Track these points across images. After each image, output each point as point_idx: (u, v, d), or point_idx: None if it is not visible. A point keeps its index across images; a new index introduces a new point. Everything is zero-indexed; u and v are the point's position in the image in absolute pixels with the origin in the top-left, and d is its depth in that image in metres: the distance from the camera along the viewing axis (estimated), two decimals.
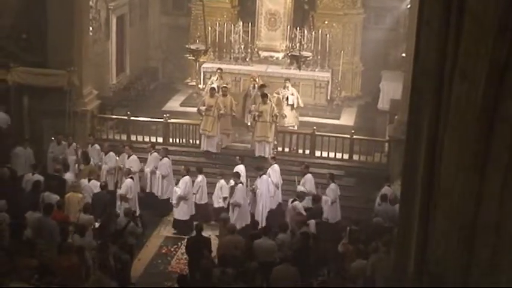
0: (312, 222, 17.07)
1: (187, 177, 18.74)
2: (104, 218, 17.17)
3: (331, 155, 21.38)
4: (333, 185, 18.62)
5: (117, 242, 15.40)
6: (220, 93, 22.23)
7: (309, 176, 18.69)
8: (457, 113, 4.37)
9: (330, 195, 18.40)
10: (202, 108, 21.47)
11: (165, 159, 19.62)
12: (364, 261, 14.47)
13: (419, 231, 4.85)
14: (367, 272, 14.33)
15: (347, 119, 24.86)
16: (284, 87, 22.90)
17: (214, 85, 22.83)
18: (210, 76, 25.19)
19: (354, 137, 21.38)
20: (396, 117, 20.43)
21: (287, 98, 22.48)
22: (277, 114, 21.18)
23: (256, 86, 23.13)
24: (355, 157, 21.41)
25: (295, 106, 22.69)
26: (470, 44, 4.21)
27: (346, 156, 21.35)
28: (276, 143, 21.47)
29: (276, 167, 19.26)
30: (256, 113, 20.92)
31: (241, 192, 18.21)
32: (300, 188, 18.22)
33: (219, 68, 24.29)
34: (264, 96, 21.14)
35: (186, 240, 16.86)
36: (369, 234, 16.41)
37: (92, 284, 13.24)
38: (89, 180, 18.40)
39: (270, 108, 20.94)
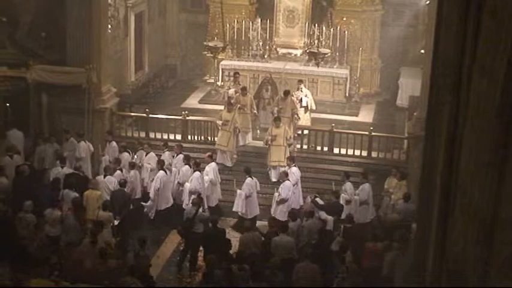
0: (330, 219, 17.06)
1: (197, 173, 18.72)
2: (123, 215, 17.26)
3: (350, 152, 21.32)
4: (249, 180, 18.60)
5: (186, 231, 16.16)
6: (239, 94, 22.29)
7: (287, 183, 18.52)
8: (476, 109, 4.36)
9: (245, 189, 18.44)
10: (219, 122, 21.30)
11: (180, 155, 19.55)
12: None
13: (438, 229, 4.85)
14: (383, 270, 14.31)
15: (365, 115, 24.74)
16: (298, 89, 22.80)
17: (232, 91, 22.74)
18: (229, 73, 25.17)
19: (373, 133, 21.30)
20: (415, 114, 20.34)
21: (301, 100, 22.35)
22: (291, 136, 20.76)
23: (270, 88, 23.05)
24: (374, 154, 21.34)
25: (308, 108, 22.61)
26: (489, 40, 4.20)
27: (364, 153, 21.27)
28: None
29: (213, 164, 19.24)
30: (270, 137, 20.44)
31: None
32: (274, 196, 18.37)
33: (236, 72, 24.17)
34: (277, 119, 20.61)
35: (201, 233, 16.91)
36: (386, 231, 16.40)
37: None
38: (105, 176, 18.39)
39: (283, 131, 20.45)
